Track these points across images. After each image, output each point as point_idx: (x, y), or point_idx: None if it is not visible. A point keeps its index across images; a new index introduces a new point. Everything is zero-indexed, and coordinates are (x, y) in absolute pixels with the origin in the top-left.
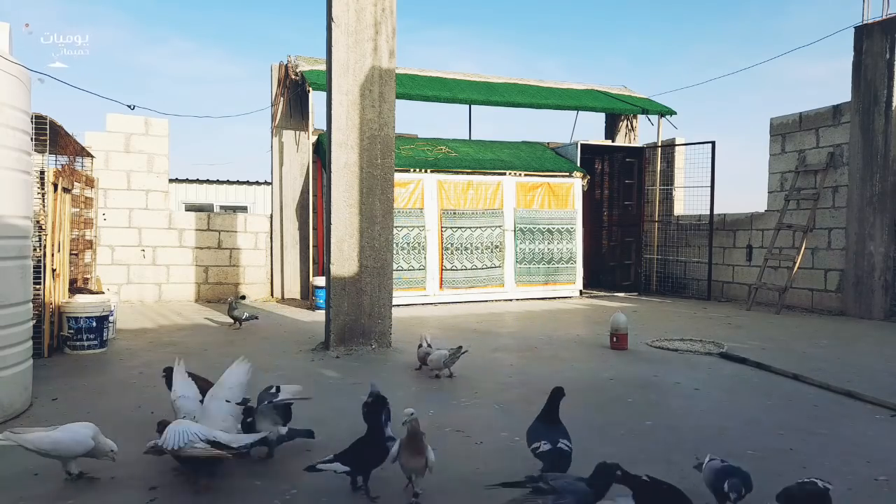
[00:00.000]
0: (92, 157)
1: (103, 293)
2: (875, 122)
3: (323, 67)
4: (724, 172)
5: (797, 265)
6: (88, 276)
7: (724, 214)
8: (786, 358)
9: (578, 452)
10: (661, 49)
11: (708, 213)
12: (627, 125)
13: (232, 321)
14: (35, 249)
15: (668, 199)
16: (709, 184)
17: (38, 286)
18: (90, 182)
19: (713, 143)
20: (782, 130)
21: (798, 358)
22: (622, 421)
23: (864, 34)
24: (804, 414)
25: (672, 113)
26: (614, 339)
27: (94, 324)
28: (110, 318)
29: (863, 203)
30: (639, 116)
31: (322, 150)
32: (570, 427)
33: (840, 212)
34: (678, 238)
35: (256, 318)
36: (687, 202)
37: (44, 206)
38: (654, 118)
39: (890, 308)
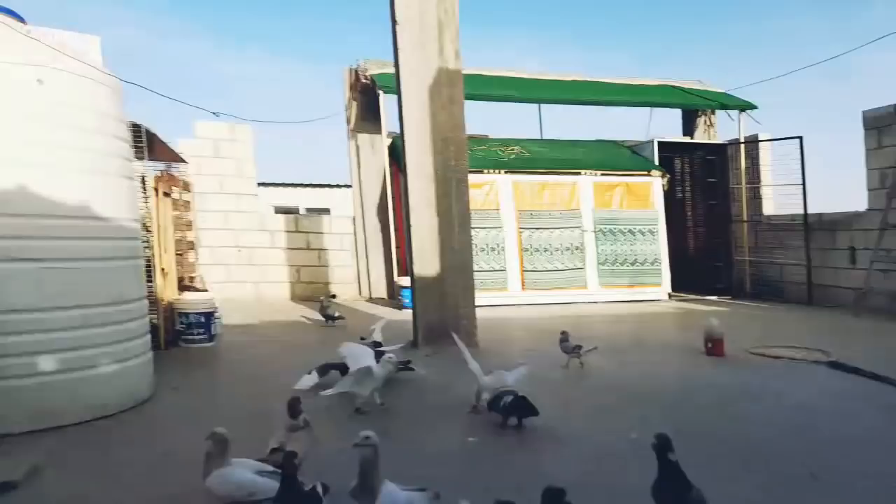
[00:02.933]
0: (186, 162)
1: (208, 291)
2: None
3: (392, 70)
4: (814, 169)
5: None
6: (193, 274)
7: (821, 213)
8: None
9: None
10: (737, 43)
11: (801, 212)
12: (705, 121)
13: (324, 319)
14: (144, 250)
15: (755, 197)
16: (800, 181)
17: (150, 284)
18: (187, 186)
19: (801, 138)
20: (877, 124)
21: None
22: (720, 432)
23: None
24: None
25: (753, 107)
26: (709, 344)
27: (203, 319)
28: (217, 315)
29: None
30: (717, 112)
31: (397, 153)
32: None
33: None
34: (771, 239)
35: (343, 318)
36: (778, 201)
37: (148, 210)
38: (734, 113)
39: None
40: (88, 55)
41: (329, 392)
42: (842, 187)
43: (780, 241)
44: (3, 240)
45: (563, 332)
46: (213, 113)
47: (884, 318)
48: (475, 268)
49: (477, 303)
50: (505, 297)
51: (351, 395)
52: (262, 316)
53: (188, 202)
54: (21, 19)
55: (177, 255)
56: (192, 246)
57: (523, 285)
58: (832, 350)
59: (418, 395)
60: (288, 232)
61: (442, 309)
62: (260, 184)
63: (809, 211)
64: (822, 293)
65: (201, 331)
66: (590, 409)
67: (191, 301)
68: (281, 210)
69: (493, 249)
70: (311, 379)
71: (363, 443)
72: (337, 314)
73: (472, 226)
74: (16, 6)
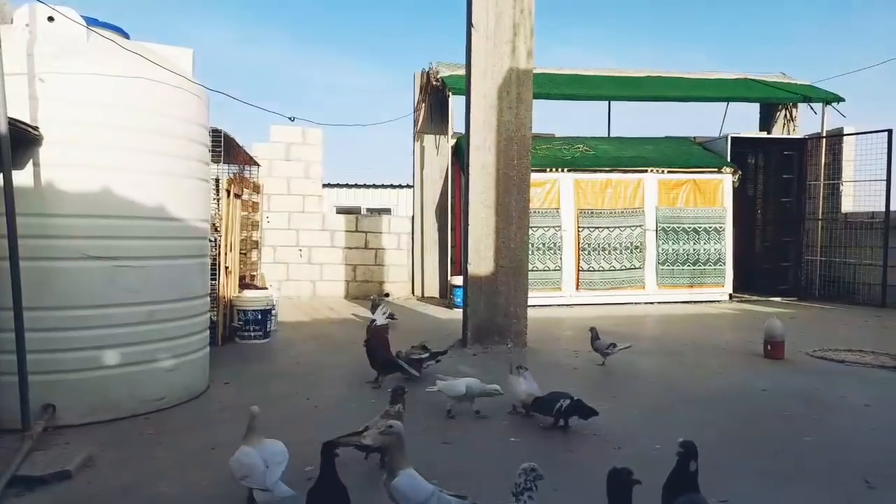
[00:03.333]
0: (258, 165)
1: (267, 289)
2: None
3: (462, 72)
4: None
5: None
6: (255, 273)
7: None
8: None
9: (731, 466)
10: (822, 33)
11: (883, 209)
12: (786, 115)
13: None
14: (211, 249)
15: (833, 194)
16: (884, 177)
17: (213, 282)
18: (257, 188)
19: (890, 131)
20: None
21: None
22: (778, 436)
23: None
24: None
25: (839, 100)
26: (768, 346)
27: (260, 316)
28: (273, 312)
29: None
30: (799, 105)
31: (461, 153)
32: (720, 438)
33: None
34: (846, 238)
35: (395, 318)
36: (857, 198)
37: (218, 210)
38: (818, 106)
39: None
40: (179, 66)
41: (432, 389)
42: None
43: (857, 240)
44: (81, 239)
45: (592, 329)
46: (289, 118)
47: None
48: (530, 267)
49: (529, 302)
50: (558, 296)
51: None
52: (316, 314)
53: (256, 203)
54: (125, 34)
55: (241, 254)
56: (255, 245)
57: (578, 285)
58: None
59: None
60: (347, 231)
61: (493, 308)
62: (325, 185)
63: (892, 209)
64: None
65: (257, 327)
66: (641, 411)
67: (250, 298)
68: (342, 210)
69: (549, 249)
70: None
71: (388, 431)
72: (388, 312)
73: (531, 224)
74: (121, 21)
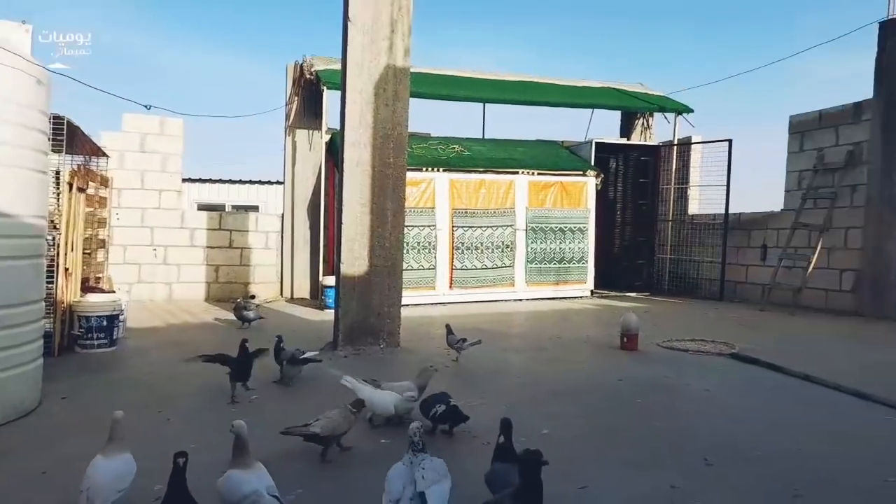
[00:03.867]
0: (107, 156)
1: (115, 292)
2: None
3: (337, 66)
4: (741, 171)
5: (812, 265)
6: (101, 275)
7: (740, 213)
8: (799, 359)
9: (589, 454)
10: (677, 46)
11: (723, 212)
12: (643, 123)
13: (239, 321)
14: (49, 248)
15: (682, 197)
16: (724, 182)
17: (50, 285)
18: (104, 181)
19: (730, 141)
20: (801, 128)
21: (811, 359)
22: (631, 423)
23: (888, 30)
24: (816, 416)
25: (689, 111)
26: (624, 339)
27: (105, 322)
28: (121, 317)
29: (882, 202)
30: (655, 114)
31: (335, 150)
32: (580, 429)
33: (857, 211)
34: (692, 237)
35: (263, 318)
36: (702, 201)
37: (58, 206)
38: (671, 116)
39: None
40: (12, 43)
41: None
42: (765, 189)
43: (701, 240)
44: None
45: (447, 326)
46: (145, 106)
47: (786, 311)
48: (405, 266)
49: (403, 302)
50: (432, 295)
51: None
52: (172, 318)
53: (104, 198)
54: None
55: (85, 254)
56: (102, 244)
57: (451, 284)
58: (737, 343)
59: (331, 399)
60: (210, 230)
61: (366, 308)
62: (185, 180)
63: (731, 211)
64: (734, 289)
65: (102, 335)
66: (508, 406)
67: (94, 303)
68: (205, 207)
69: (424, 248)
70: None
71: (232, 429)
72: (254, 314)
73: (406, 223)
74: None
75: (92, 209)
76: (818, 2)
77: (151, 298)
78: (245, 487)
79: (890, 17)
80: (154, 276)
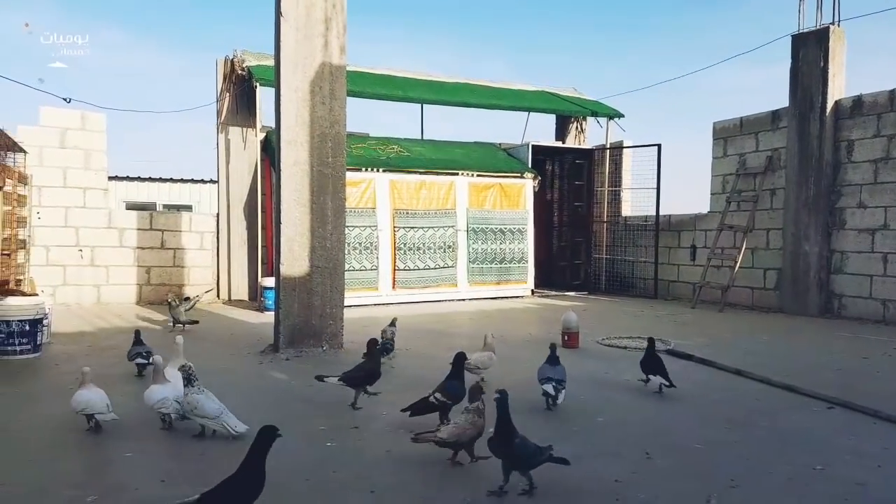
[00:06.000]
0: (25, 152)
1: (37, 295)
2: (811, 126)
3: (271, 63)
4: (670, 174)
5: (738, 264)
6: (21, 277)
7: (670, 215)
8: (729, 354)
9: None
10: (607, 52)
11: (654, 213)
12: (577, 127)
13: (172, 323)
14: None
15: (616, 200)
16: (655, 185)
17: None
18: (23, 179)
19: (659, 145)
20: (724, 134)
21: (741, 354)
22: (575, 418)
23: (800, 43)
24: (747, 408)
25: (620, 116)
26: (566, 337)
27: (28, 327)
28: (45, 322)
29: (798, 205)
30: (588, 119)
31: (271, 148)
32: (526, 425)
33: (778, 213)
34: (626, 238)
35: (196, 321)
36: (634, 203)
37: None
38: (604, 121)
39: (824, 305)
40: None
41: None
42: (692, 192)
43: (634, 241)
44: None
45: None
46: (65, 99)
47: (715, 308)
48: (347, 267)
49: (346, 303)
50: (375, 296)
51: None
52: (101, 322)
53: (23, 196)
54: None
55: (3, 254)
56: (23, 245)
57: (394, 284)
58: (672, 339)
59: (282, 403)
60: (140, 230)
61: (308, 310)
62: (111, 178)
63: (661, 213)
64: (667, 288)
65: (24, 340)
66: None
67: (14, 306)
68: (134, 206)
69: (366, 248)
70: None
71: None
72: (185, 317)
73: (347, 224)
74: None
75: (10, 208)
76: (740, 15)
77: (78, 302)
78: (156, 395)
79: (800, 31)
80: (81, 278)
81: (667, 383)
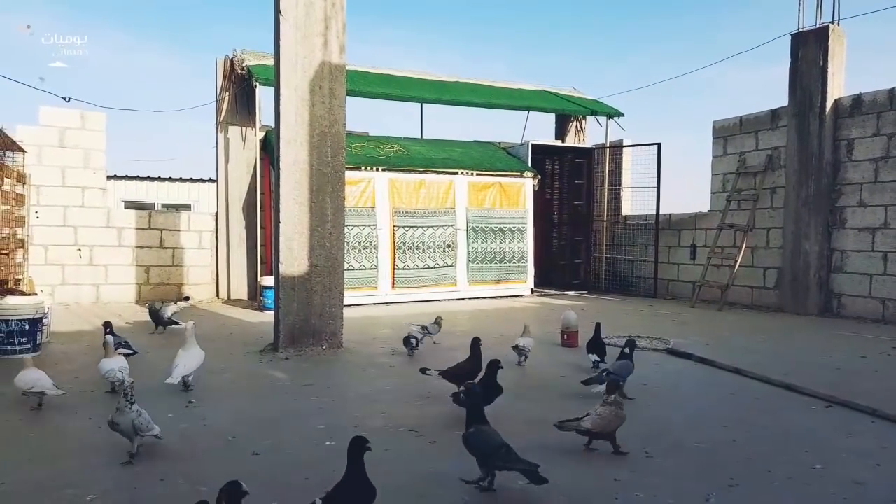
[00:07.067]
0: (24, 151)
1: (36, 294)
2: (810, 125)
3: (270, 62)
4: (669, 173)
5: (738, 263)
6: (20, 276)
7: (670, 214)
8: (728, 353)
9: (534, 446)
10: (606, 52)
11: (654, 212)
12: (577, 126)
13: (154, 325)
14: None
15: (615, 199)
16: (655, 184)
17: None
18: (21, 178)
19: (659, 144)
20: (724, 133)
21: (740, 353)
22: (575, 415)
23: (799, 42)
24: (746, 407)
25: (620, 115)
26: (565, 336)
27: (27, 326)
28: (44, 321)
29: (798, 204)
30: (588, 118)
31: (270, 147)
32: (529, 424)
33: (778, 212)
34: (626, 237)
35: (179, 324)
36: (634, 202)
37: None
38: (603, 119)
39: (823, 304)
40: None
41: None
42: (692, 191)
43: (634, 240)
44: None
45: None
46: (64, 98)
47: (715, 308)
48: (346, 266)
49: (345, 302)
50: (374, 295)
51: None
52: (99, 321)
53: (22, 195)
54: None
55: (2, 254)
56: (21, 244)
57: (393, 283)
58: (671, 338)
59: (277, 396)
60: (139, 229)
61: (307, 309)
62: (110, 177)
63: (661, 212)
64: (666, 287)
65: (24, 339)
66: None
67: (13, 306)
68: (133, 205)
69: (365, 247)
70: None
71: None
72: (170, 318)
73: (346, 223)
74: None
75: (8, 207)
76: (740, 14)
77: (77, 301)
78: (104, 367)
79: (800, 30)
80: (79, 277)
81: (599, 359)
